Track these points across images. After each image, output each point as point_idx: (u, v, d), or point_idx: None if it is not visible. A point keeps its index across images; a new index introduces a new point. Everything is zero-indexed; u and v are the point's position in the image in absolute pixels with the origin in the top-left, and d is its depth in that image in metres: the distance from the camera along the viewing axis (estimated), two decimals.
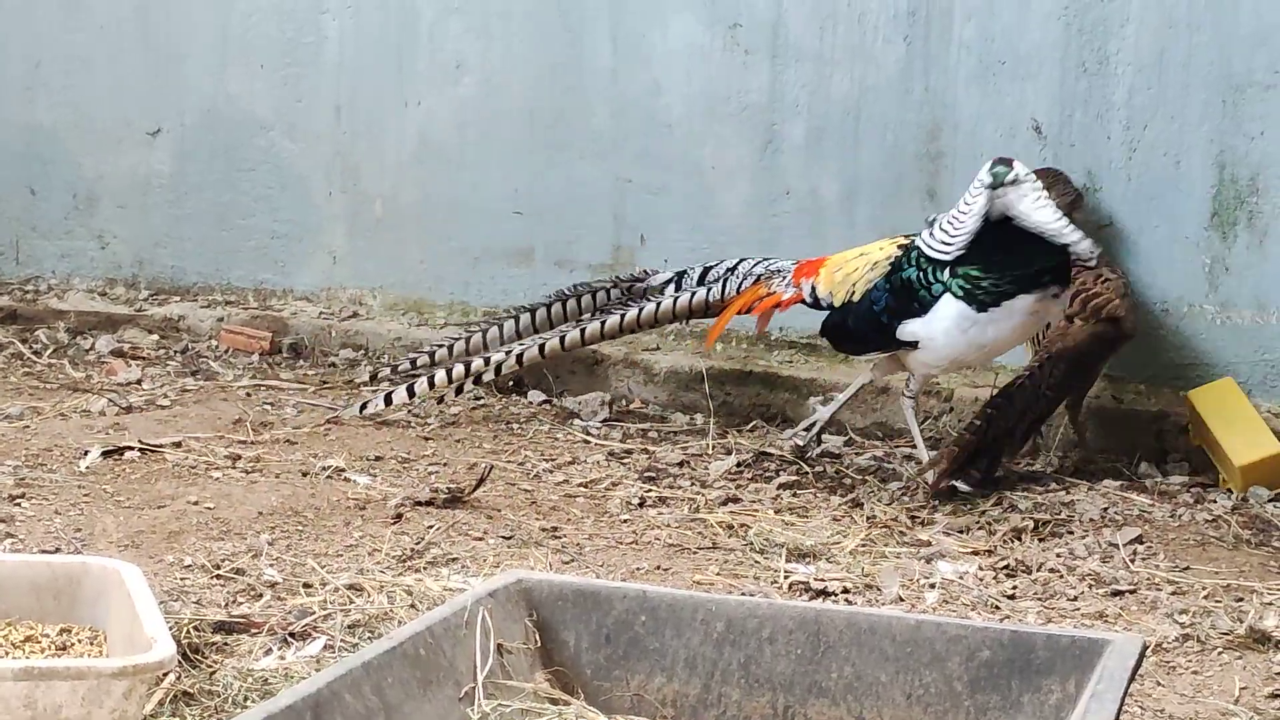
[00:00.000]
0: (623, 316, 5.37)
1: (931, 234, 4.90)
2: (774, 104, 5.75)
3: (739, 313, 5.24)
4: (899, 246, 4.99)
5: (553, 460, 5.09)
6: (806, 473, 5.06)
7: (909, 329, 4.93)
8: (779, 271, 5.23)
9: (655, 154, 5.91)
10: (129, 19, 6.55)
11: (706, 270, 5.37)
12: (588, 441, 5.32)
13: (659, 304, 5.36)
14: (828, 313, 5.11)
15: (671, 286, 5.42)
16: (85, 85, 6.62)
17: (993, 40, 5.48)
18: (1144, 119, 5.34)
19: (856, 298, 5.00)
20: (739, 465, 5.10)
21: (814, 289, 5.10)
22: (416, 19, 6.15)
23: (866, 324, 5.00)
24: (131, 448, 4.95)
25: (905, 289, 4.91)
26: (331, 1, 6.26)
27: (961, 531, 4.57)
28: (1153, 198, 5.33)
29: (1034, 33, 5.44)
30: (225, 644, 3.54)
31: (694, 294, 5.34)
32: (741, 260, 5.34)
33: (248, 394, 5.67)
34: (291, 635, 3.59)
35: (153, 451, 4.93)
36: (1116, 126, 5.37)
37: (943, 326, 4.88)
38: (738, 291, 5.26)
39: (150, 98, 6.53)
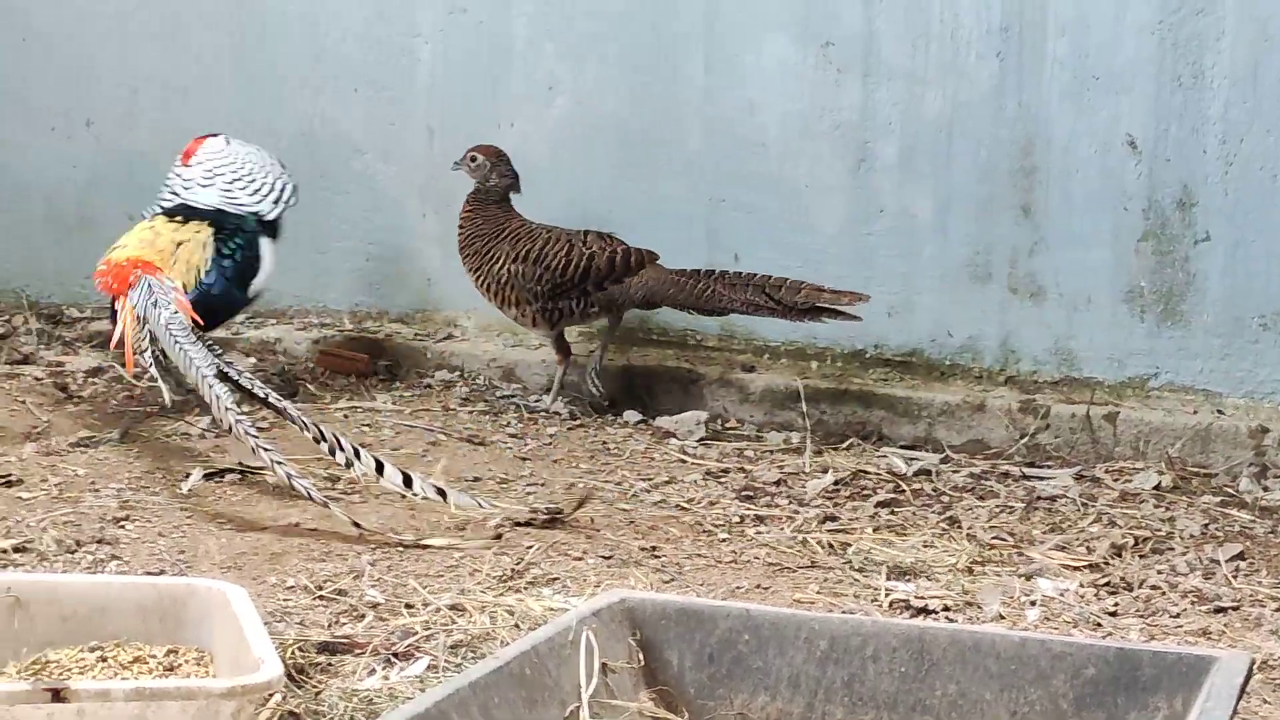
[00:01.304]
0: None
1: None
2: (866, 122, 5.75)
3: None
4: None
5: (650, 480, 5.10)
6: (904, 490, 5.05)
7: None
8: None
9: (748, 173, 5.91)
10: (224, 46, 6.61)
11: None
12: (684, 461, 5.33)
13: None
14: None
15: None
16: (182, 111, 6.67)
17: (1086, 55, 5.46)
18: (1240, 133, 5.31)
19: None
20: (836, 483, 5.10)
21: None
22: (510, 41, 6.18)
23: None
24: (232, 470, 4.99)
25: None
26: (424, 25, 6.29)
27: (1061, 548, 4.55)
28: (1250, 211, 5.30)
29: (1128, 47, 5.41)
30: (329, 664, 3.57)
31: None
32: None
33: (345, 415, 5.70)
34: (395, 655, 3.61)
35: (253, 474, 4.97)
36: (1212, 141, 5.35)
37: None
38: None
39: (246, 122, 6.57)
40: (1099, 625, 3.99)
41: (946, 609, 4.05)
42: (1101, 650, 3.03)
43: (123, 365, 5.55)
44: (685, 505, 4.86)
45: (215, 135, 6.00)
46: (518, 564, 4.25)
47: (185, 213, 5.75)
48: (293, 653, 3.56)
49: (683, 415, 5.70)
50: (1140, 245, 5.44)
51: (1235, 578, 4.34)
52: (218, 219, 5.76)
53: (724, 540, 4.58)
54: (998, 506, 4.92)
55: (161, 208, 5.82)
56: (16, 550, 4.24)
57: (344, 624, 3.82)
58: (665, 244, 6.00)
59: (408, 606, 3.92)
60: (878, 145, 5.74)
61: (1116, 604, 4.14)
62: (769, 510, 4.84)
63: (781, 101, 5.85)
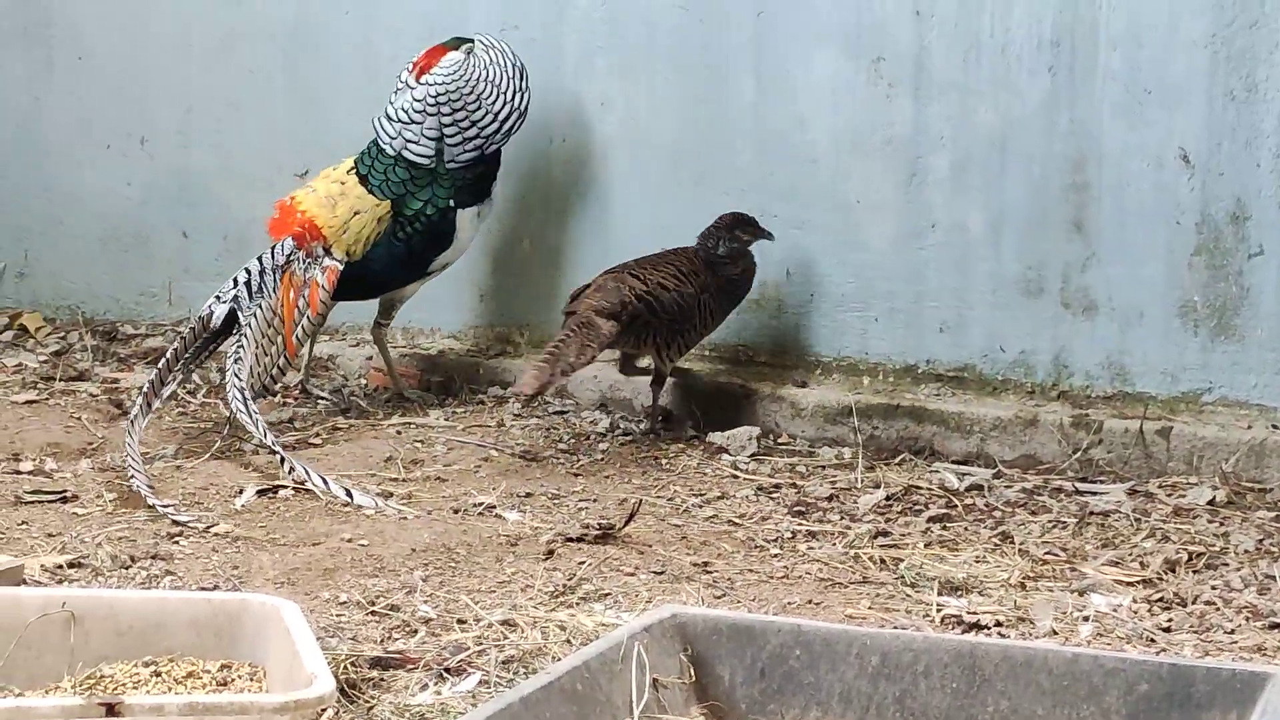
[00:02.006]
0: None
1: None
2: (918, 137, 5.74)
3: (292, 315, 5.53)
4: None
5: (702, 495, 5.10)
6: (956, 506, 5.04)
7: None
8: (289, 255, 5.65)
9: (799, 189, 5.91)
10: (277, 63, 6.64)
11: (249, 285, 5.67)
12: (736, 476, 5.32)
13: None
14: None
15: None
16: (234, 129, 6.72)
17: (1139, 69, 5.45)
18: None
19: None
20: (888, 499, 5.09)
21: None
22: (560, 58, 6.20)
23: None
24: (285, 486, 5.02)
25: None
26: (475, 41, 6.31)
27: (1115, 564, 4.54)
28: None
29: (1180, 61, 5.40)
30: (382, 680, 3.58)
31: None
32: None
33: (398, 432, 5.71)
34: (447, 671, 3.63)
35: (306, 490, 4.99)
36: (1266, 155, 5.32)
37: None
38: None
39: (298, 140, 6.62)
40: (1152, 641, 3.98)
41: (999, 624, 4.04)
42: (1155, 666, 3.03)
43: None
44: (737, 520, 4.86)
45: (464, 43, 5.92)
46: (569, 579, 4.26)
47: (376, 170, 5.82)
48: (345, 668, 3.58)
49: (735, 430, 5.69)
50: (1193, 260, 5.42)
51: None
52: (400, 196, 5.82)
53: (775, 555, 4.58)
54: (1050, 522, 4.90)
55: (366, 154, 5.90)
56: (72, 566, 4.27)
57: (396, 639, 3.83)
58: None
59: (460, 622, 3.93)
60: (929, 160, 5.74)
61: (1170, 620, 4.12)
62: (821, 525, 4.84)
63: (832, 117, 5.85)
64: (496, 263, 6.37)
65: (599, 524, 4.66)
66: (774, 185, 5.94)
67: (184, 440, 5.52)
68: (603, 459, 5.49)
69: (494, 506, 4.89)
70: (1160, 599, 4.26)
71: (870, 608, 4.17)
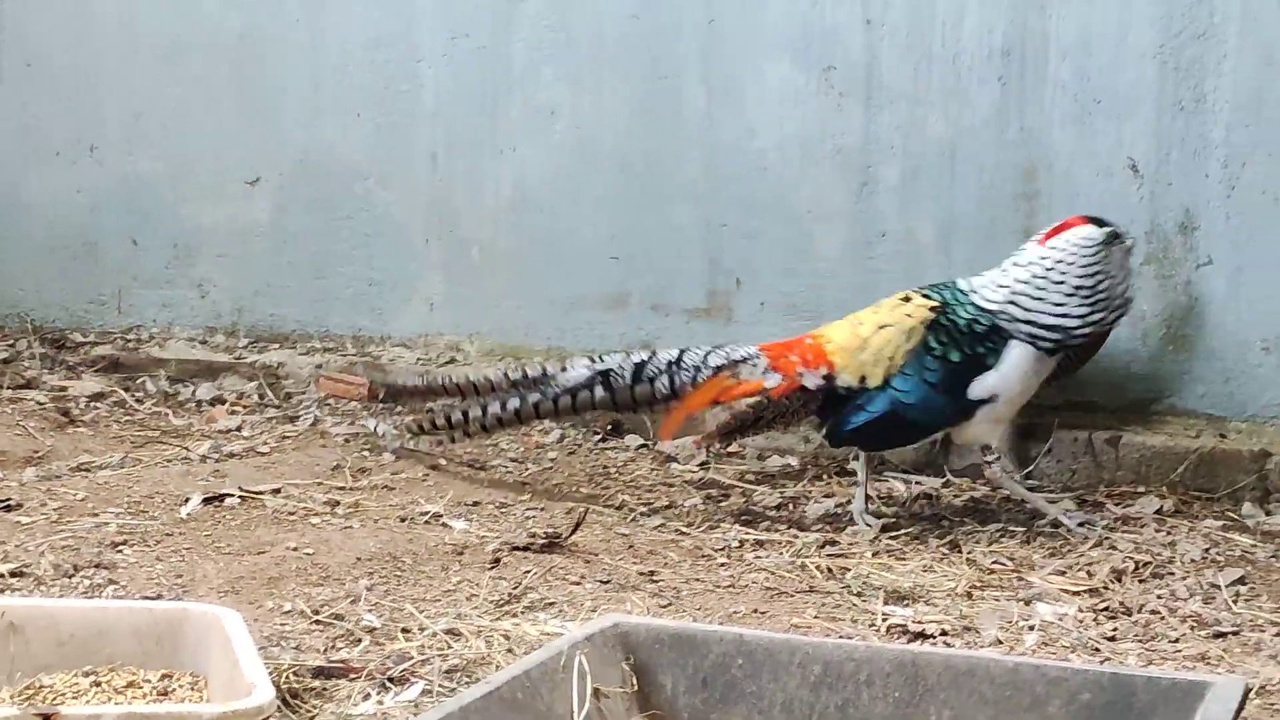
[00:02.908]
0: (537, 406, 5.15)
1: (1005, 286, 4.93)
2: (868, 146, 5.75)
3: (700, 408, 5.10)
4: (929, 308, 4.96)
5: (650, 504, 5.10)
6: (904, 515, 5.04)
7: (986, 384, 4.91)
8: (745, 359, 4.99)
9: (750, 198, 5.91)
10: (226, 71, 6.62)
11: (641, 366, 5.03)
12: (685, 485, 5.32)
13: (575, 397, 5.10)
14: (856, 403, 4.93)
15: (599, 388, 5.06)
16: (184, 137, 6.69)
17: (1088, 79, 5.46)
18: (1242, 156, 5.30)
19: (894, 375, 4.92)
20: (836, 508, 5.09)
21: (829, 375, 4.94)
22: (509, 67, 6.19)
23: (935, 397, 4.92)
24: (231, 494, 4.99)
25: (975, 346, 4.91)
26: (425, 50, 6.30)
27: (1061, 573, 4.54)
28: (1252, 235, 5.28)
29: (1130, 71, 5.41)
30: (324, 689, 3.56)
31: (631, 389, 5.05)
32: (684, 352, 5.06)
33: (346, 440, 5.70)
34: (390, 680, 3.60)
35: (252, 498, 4.97)
36: (1214, 165, 5.34)
37: (1018, 373, 4.88)
38: (693, 384, 4.98)
39: (248, 148, 6.60)
40: (1097, 650, 3.97)
41: (944, 633, 4.04)
42: (1096, 675, 3.02)
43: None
44: (684, 530, 4.85)
45: (1098, 224, 5.00)
46: (515, 588, 4.24)
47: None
48: (287, 677, 3.56)
49: (684, 439, 5.69)
50: (1142, 269, 5.43)
51: (1235, 602, 4.32)
52: (949, 302, 5.01)
53: (722, 564, 4.57)
54: (998, 531, 4.91)
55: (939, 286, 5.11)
56: (14, 575, 4.24)
57: (340, 648, 3.81)
58: (668, 269, 6.00)
59: (404, 631, 3.91)
60: (880, 169, 5.74)
61: (1115, 629, 4.12)
62: (768, 535, 4.83)
63: (782, 126, 5.85)
64: (445, 271, 6.35)
65: (546, 533, 4.65)
66: (724, 194, 5.94)
67: (130, 448, 5.49)
68: (551, 468, 5.48)
69: (441, 515, 4.88)
70: (1106, 608, 4.26)
71: (816, 617, 4.16)
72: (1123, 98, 5.43)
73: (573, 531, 4.64)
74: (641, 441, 5.74)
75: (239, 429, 5.78)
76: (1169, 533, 4.90)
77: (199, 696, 3.38)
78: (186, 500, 4.92)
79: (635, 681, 3.16)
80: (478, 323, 6.31)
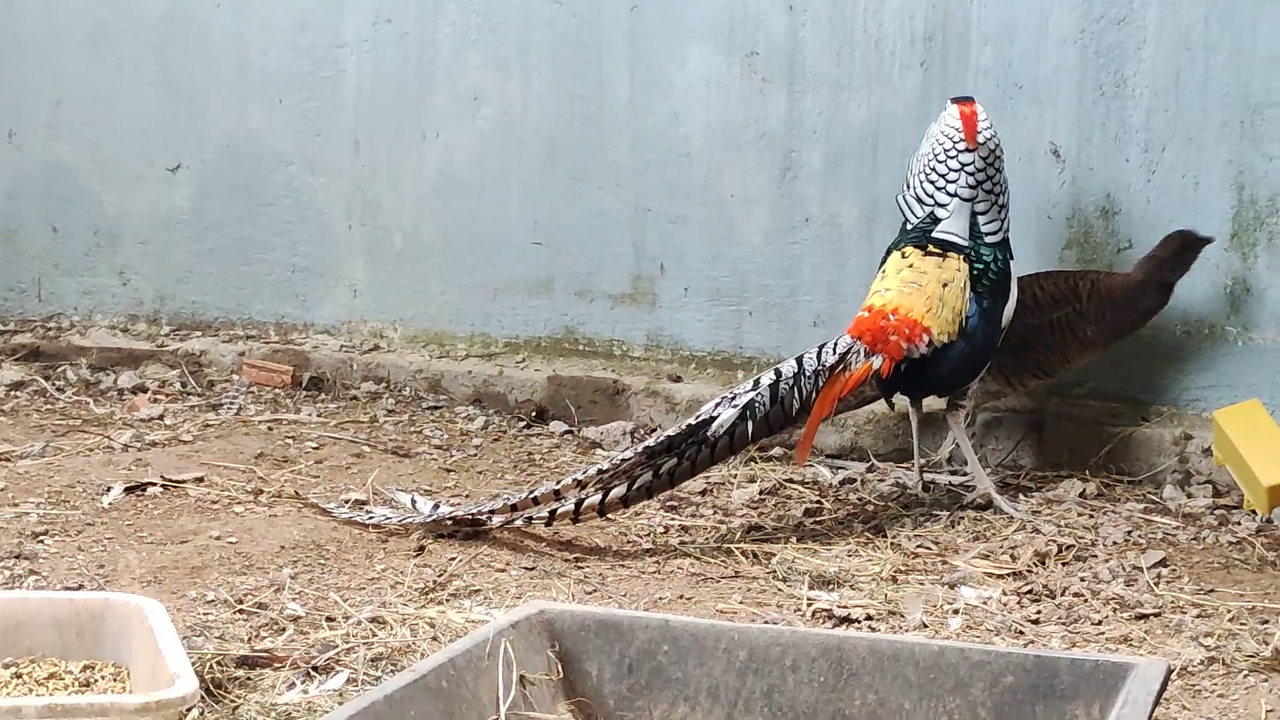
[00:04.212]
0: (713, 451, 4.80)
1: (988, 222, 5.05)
2: (792, 131, 5.76)
3: (829, 410, 4.88)
4: (963, 259, 5.00)
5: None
6: (829, 500, 5.05)
7: (1006, 312, 5.09)
8: (850, 350, 4.86)
9: (674, 183, 5.91)
10: (148, 56, 6.57)
11: (775, 389, 4.80)
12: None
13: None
14: (932, 357, 4.94)
15: (749, 424, 4.77)
16: (106, 123, 6.63)
17: (1010, 65, 5.48)
18: (1162, 141, 5.33)
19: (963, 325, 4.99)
20: (762, 493, 5.10)
21: (930, 341, 4.93)
22: (435, 52, 6.17)
23: (993, 331, 5.04)
24: (154, 483, 4.96)
25: (1001, 287, 5.05)
26: (349, 35, 6.27)
27: (985, 556, 4.56)
28: (1172, 219, 5.31)
29: (1051, 57, 5.43)
30: (248, 679, 3.54)
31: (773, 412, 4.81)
32: (803, 358, 4.87)
33: (269, 428, 5.67)
34: (314, 669, 3.59)
35: (175, 487, 4.94)
36: (1135, 149, 5.37)
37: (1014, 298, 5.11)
38: (816, 391, 4.82)
39: (171, 134, 6.55)
40: (1021, 633, 4.00)
41: (869, 618, 4.05)
42: (1020, 658, 3.04)
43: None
44: (610, 516, 4.85)
45: (970, 100, 5.15)
46: (440, 576, 4.24)
47: (940, 245, 5.04)
48: (211, 667, 3.54)
49: (609, 425, 5.70)
50: (1064, 253, 5.46)
51: (1157, 585, 4.35)
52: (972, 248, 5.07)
53: (648, 550, 4.58)
54: (922, 515, 4.93)
55: (913, 236, 5.10)
56: None
57: (264, 638, 3.80)
58: (593, 255, 6.00)
59: (328, 619, 3.90)
60: (803, 154, 5.75)
61: (1039, 612, 4.14)
62: (694, 520, 4.84)
63: (706, 111, 5.85)
64: (369, 258, 6.33)
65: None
66: (649, 180, 5.94)
67: (51, 437, 5.45)
68: (476, 454, 5.47)
69: (364, 503, 4.86)
70: (1029, 591, 4.28)
71: (742, 602, 4.17)
72: (1044, 83, 5.46)
73: None
74: (566, 428, 5.74)
75: (161, 417, 5.75)
76: (1091, 515, 4.93)
77: (121, 687, 3.36)
78: (108, 489, 4.89)
79: (561, 668, 3.16)
80: (402, 309, 6.29)
